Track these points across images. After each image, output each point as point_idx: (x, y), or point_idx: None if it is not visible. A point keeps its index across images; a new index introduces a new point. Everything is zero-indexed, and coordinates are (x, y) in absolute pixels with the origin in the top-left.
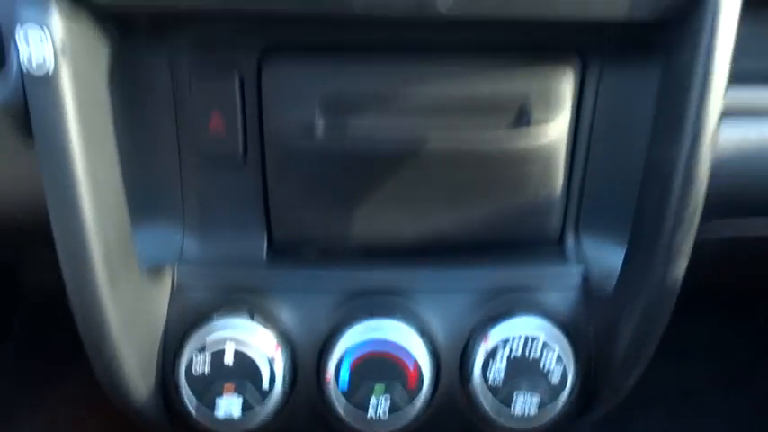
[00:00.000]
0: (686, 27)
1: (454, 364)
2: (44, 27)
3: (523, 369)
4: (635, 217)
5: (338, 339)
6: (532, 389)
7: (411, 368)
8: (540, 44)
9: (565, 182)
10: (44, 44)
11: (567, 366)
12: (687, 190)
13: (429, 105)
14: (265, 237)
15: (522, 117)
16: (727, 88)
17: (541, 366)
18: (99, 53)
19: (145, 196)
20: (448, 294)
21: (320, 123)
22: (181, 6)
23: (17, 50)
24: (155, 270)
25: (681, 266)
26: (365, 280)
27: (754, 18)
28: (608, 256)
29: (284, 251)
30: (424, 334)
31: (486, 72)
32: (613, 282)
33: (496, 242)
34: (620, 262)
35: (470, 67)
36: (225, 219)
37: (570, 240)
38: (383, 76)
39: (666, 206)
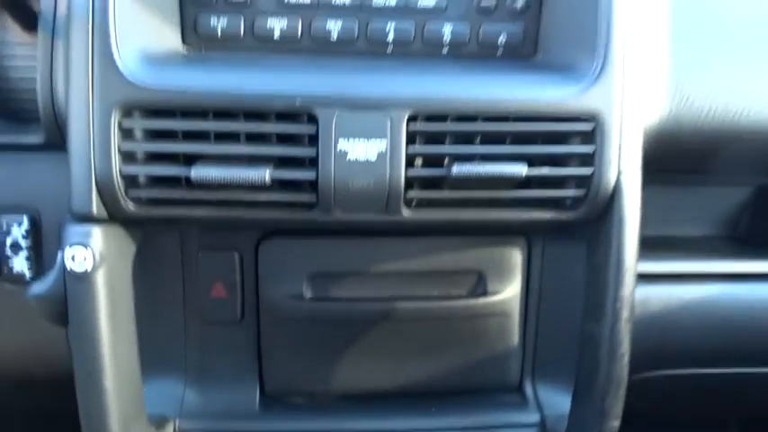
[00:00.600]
0: (602, 226)
1: None
2: (88, 247)
3: None
4: (576, 375)
5: None
6: None
7: None
8: (493, 230)
9: (521, 337)
10: (86, 254)
11: None
12: (612, 357)
13: (399, 276)
14: (258, 388)
15: (479, 287)
16: (636, 273)
17: None
18: (126, 250)
19: (152, 353)
20: None
21: (308, 292)
22: (196, 215)
23: (62, 254)
24: (159, 421)
25: (615, 418)
26: (347, 426)
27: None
28: (562, 401)
29: (275, 400)
30: None
31: (448, 250)
32: (565, 425)
33: (463, 389)
34: None
35: (433, 247)
36: (223, 372)
37: (528, 388)
38: (359, 253)
39: (597, 370)
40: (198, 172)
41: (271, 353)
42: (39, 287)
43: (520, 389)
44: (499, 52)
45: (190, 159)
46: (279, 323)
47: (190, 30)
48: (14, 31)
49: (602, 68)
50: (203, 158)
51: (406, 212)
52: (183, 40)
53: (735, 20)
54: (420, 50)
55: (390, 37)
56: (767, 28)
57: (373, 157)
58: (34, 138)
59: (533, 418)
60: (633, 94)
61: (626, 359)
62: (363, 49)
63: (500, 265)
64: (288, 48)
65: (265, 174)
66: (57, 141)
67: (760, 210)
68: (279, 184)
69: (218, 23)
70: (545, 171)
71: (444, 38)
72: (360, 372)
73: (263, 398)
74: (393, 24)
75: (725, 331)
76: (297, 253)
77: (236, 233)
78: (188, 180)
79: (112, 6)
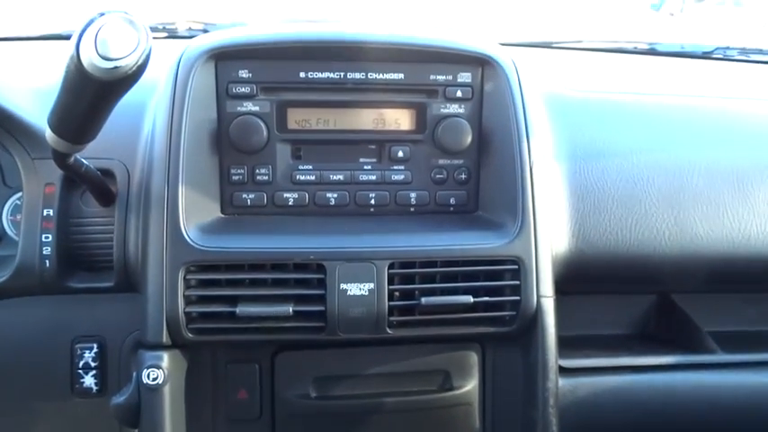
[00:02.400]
0: (530, 335)
1: None
2: (160, 368)
3: None
4: None
5: None
6: None
7: None
8: (454, 339)
9: (481, 421)
10: (159, 372)
11: None
12: None
13: (384, 377)
14: None
15: (446, 383)
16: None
17: None
18: (182, 367)
19: None
20: None
21: (313, 392)
22: (235, 340)
23: (139, 373)
24: None
25: None
26: None
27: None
28: None
29: None
30: None
31: (421, 355)
32: None
33: None
34: None
35: (409, 353)
36: None
37: None
38: (352, 360)
39: None
40: (242, 309)
41: None
42: (118, 398)
43: None
44: (450, 209)
45: (232, 300)
46: (290, 418)
47: (227, 203)
48: (94, 205)
49: (521, 227)
50: (242, 299)
51: (390, 331)
52: (222, 210)
53: (617, 176)
54: (394, 210)
55: (372, 202)
56: (641, 182)
57: (366, 293)
58: (107, 283)
59: None
60: (544, 242)
61: None
62: (353, 210)
63: (461, 365)
64: (298, 211)
65: (289, 309)
66: (123, 286)
67: (662, 312)
68: (297, 315)
69: (248, 198)
70: (486, 299)
71: (411, 201)
72: None
73: None
74: (374, 194)
75: (641, 412)
76: (304, 362)
77: (256, 349)
78: (232, 314)
79: (181, 194)
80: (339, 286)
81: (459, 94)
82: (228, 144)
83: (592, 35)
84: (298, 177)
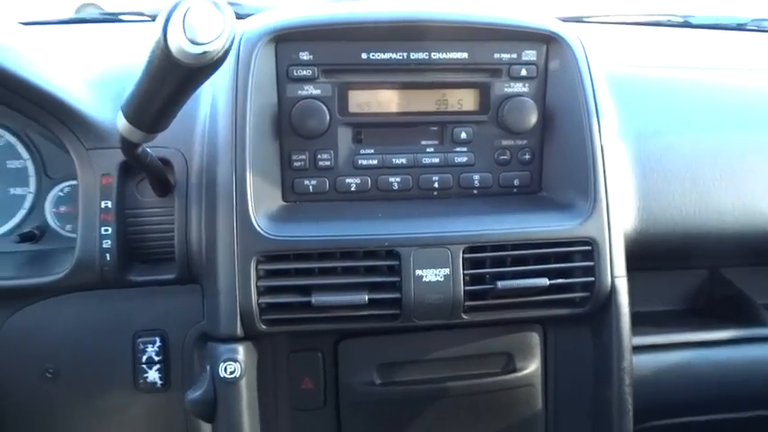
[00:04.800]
0: (604, 315)
1: None
2: (236, 361)
3: None
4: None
5: None
6: None
7: None
8: (517, 321)
9: (543, 402)
10: (235, 366)
11: None
12: (622, 413)
13: (448, 361)
14: None
15: (509, 365)
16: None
17: None
18: (254, 359)
19: None
20: None
21: (377, 379)
22: (310, 329)
23: (214, 367)
24: None
25: None
26: None
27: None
28: None
29: None
30: None
31: (483, 338)
32: None
33: None
34: None
35: (472, 336)
36: None
37: None
38: (414, 346)
39: (611, 424)
40: (318, 299)
41: (350, 430)
42: (194, 393)
43: None
44: (514, 190)
45: (304, 289)
46: (355, 405)
47: (288, 190)
48: (150, 195)
49: (593, 207)
50: (314, 288)
51: (465, 316)
52: (283, 198)
53: (680, 154)
54: (457, 193)
55: (436, 185)
56: (703, 160)
57: (442, 279)
58: (169, 275)
59: None
60: (616, 221)
61: (631, 414)
62: (416, 194)
63: (523, 348)
64: (360, 197)
65: (365, 297)
66: (185, 277)
67: (715, 287)
68: (372, 303)
69: (310, 184)
70: (560, 281)
71: (475, 183)
72: None
73: None
74: (437, 177)
75: (704, 387)
76: (367, 349)
77: (319, 337)
78: (306, 304)
79: (249, 182)
80: (414, 272)
81: (523, 72)
82: (290, 129)
83: (622, 8)
84: (360, 162)
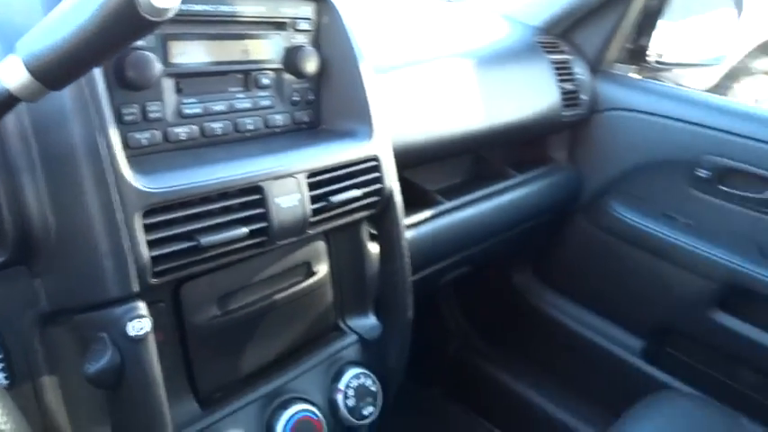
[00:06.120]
0: (387, 211)
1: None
2: (143, 317)
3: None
4: (380, 293)
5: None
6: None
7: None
8: (309, 239)
9: (334, 293)
10: (143, 322)
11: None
12: (403, 275)
13: (267, 281)
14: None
15: (309, 271)
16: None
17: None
18: None
19: None
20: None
21: (218, 311)
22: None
23: (118, 330)
24: None
25: (410, 308)
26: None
27: None
28: (367, 322)
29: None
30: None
31: (289, 254)
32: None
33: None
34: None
35: (280, 254)
36: None
37: (342, 324)
38: (241, 275)
39: (396, 283)
40: (206, 239)
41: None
42: (96, 365)
43: (337, 327)
44: (304, 126)
45: (188, 235)
46: (202, 340)
47: (123, 145)
48: None
49: (373, 131)
50: (198, 231)
51: (309, 231)
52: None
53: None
54: (265, 133)
55: (250, 127)
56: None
57: (296, 203)
58: None
59: (352, 338)
60: (387, 139)
61: (410, 271)
62: (234, 138)
63: (317, 255)
64: (190, 145)
65: (246, 230)
66: (18, 258)
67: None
68: (249, 234)
69: (142, 137)
70: (364, 190)
71: (278, 123)
72: (258, 351)
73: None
74: (251, 120)
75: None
76: (204, 288)
77: (156, 290)
78: (194, 248)
79: (115, 140)
80: (275, 201)
81: (304, 26)
82: (120, 81)
83: None
84: (185, 111)
